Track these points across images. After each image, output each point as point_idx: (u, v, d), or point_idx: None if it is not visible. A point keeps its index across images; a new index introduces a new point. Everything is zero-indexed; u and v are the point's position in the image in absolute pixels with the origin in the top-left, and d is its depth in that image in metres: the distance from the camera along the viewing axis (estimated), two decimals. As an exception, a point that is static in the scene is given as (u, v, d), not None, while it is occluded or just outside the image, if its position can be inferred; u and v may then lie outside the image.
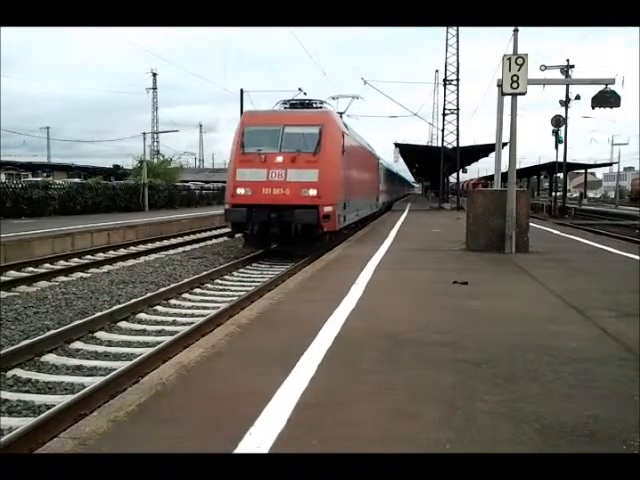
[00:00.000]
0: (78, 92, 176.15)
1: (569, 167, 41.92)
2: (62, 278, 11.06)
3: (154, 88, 68.48)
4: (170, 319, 8.00)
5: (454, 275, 8.08)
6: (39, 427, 4.11)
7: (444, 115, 34.40)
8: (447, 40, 33.14)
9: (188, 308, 8.78)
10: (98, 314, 7.72)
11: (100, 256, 14.17)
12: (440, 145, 35.81)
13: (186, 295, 9.58)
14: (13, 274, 11.33)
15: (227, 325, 5.55)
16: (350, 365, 4.13)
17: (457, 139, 33.72)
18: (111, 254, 14.67)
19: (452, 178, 51.64)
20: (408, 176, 78.38)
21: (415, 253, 11.32)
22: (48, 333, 6.79)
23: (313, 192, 12.73)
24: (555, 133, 32.00)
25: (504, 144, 13.42)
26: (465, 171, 48.05)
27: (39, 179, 33.49)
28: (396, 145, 38.48)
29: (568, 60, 29.00)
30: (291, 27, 21.32)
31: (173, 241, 17.80)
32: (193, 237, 19.54)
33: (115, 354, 6.39)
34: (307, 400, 3.43)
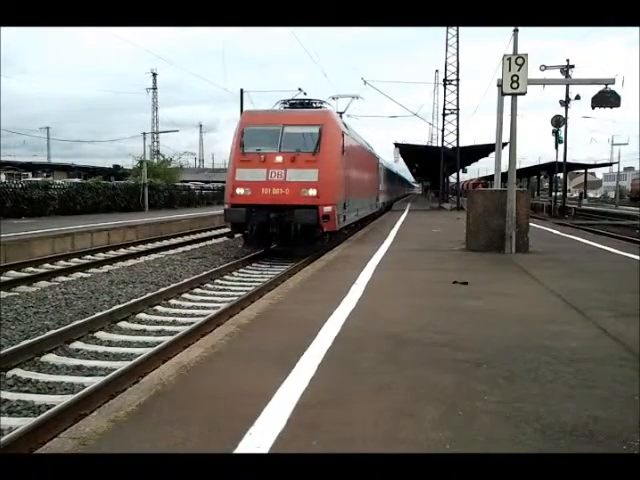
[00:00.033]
0: (78, 92, 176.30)
1: (569, 167, 41.93)
2: (62, 278, 11.06)
3: (154, 88, 68.58)
4: (170, 319, 8.00)
5: (454, 275, 8.08)
6: (39, 427, 4.11)
7: (444, 115, 34.44)
8: (447, 40, 33.19)
9: (188, 308, 8.78)
10: (98, 314, 7.72)
11: (100, 256, 14.17)
12: (440, 145, 35.84)
13: (186, 295, 9.58)
14: (13, 274, 11.33)
15: (227, 325, 5.55)
16: (350, 365, 4.13)
17: (457, 139, 33.76)
18: (111, 254, 14.67)
19: (452, 178, 51.69)
20: (408, 176, 78.38)
21: (415, 253, 11.32)
22: (48, 333, 6.79)
23: (313, 192, 12.71)
24: (555, 133, 32.00)
25: (504, 144, 13.41)
26: (465, 171, 48.10)
27: (39, 179, 33.50)
28: (396, 145, 38.46)
29: (568, 60, 29.02)
30: (291, 27, 21.33)
31: (173, 241, 17.80)
32: (193, 237, 19.53)
33: (115, 354, 6.39)
34: (307, 400, 3.43)
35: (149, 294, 9.19)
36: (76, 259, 13.63)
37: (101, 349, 6.56)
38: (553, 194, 40.82)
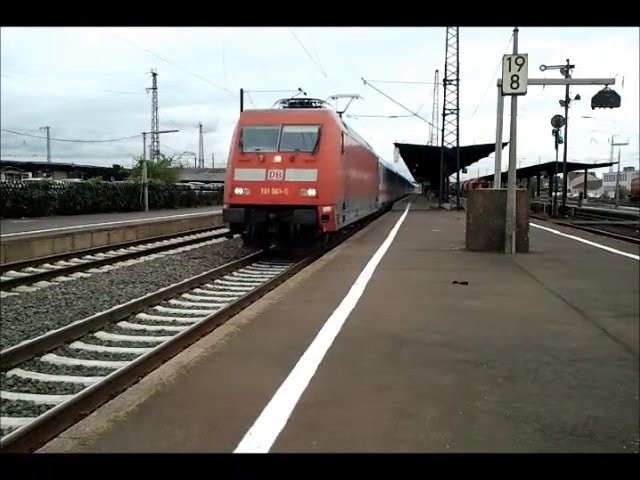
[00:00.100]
0: (78, 92, 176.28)
1: (569, 167, 41.92)
2: (62, 278, 11.06)
3: (154, 88, 68.59)
4: (170, 319, 8.00)
5: (454, 275, 8.08)
6: (39, 427, 4.11)
7: (444, 115, 34.43)
8: (447, 40, 33.18)
9: (188, 308, 8.78)
10: (98, 314, 7.72)
11: (100, 256, 14.17)
12: (440, 145, 35.83)
13: (186, 295, 9.58)
14: (13, 274, 11.33)
15: (227, 325, 5.55)
16: (350, 365, 4.13)
17: (457, 139, 33.76)
18: (111, 254, 14.67)
19: (452, 178, 51.69)
20: (408, 176, 78.34)
21: (415, 253, 11.32)
22: (48, 333, 6.79)
23: (312, 192, 12.67)
24: (555, 133, 32.01)
25: (504, 144, 13.41)
26: (465, 171, 48.08)
27: (39, 179, 33.50)
28: (396, 145, 38.45)
29: (568, 60, 29.03)
30: (291, 27, 21.33)
31: (173, 241, 17.80)
32: (193, 237, 19.54)
33: (115, 354, 6.39)
34: (307, 400, 3.43)
35: (149, 294, 9.19)
36: (76, 259, 13.63)
37: (101, 349, 6.56)
38: (553, 194, 40.83)
